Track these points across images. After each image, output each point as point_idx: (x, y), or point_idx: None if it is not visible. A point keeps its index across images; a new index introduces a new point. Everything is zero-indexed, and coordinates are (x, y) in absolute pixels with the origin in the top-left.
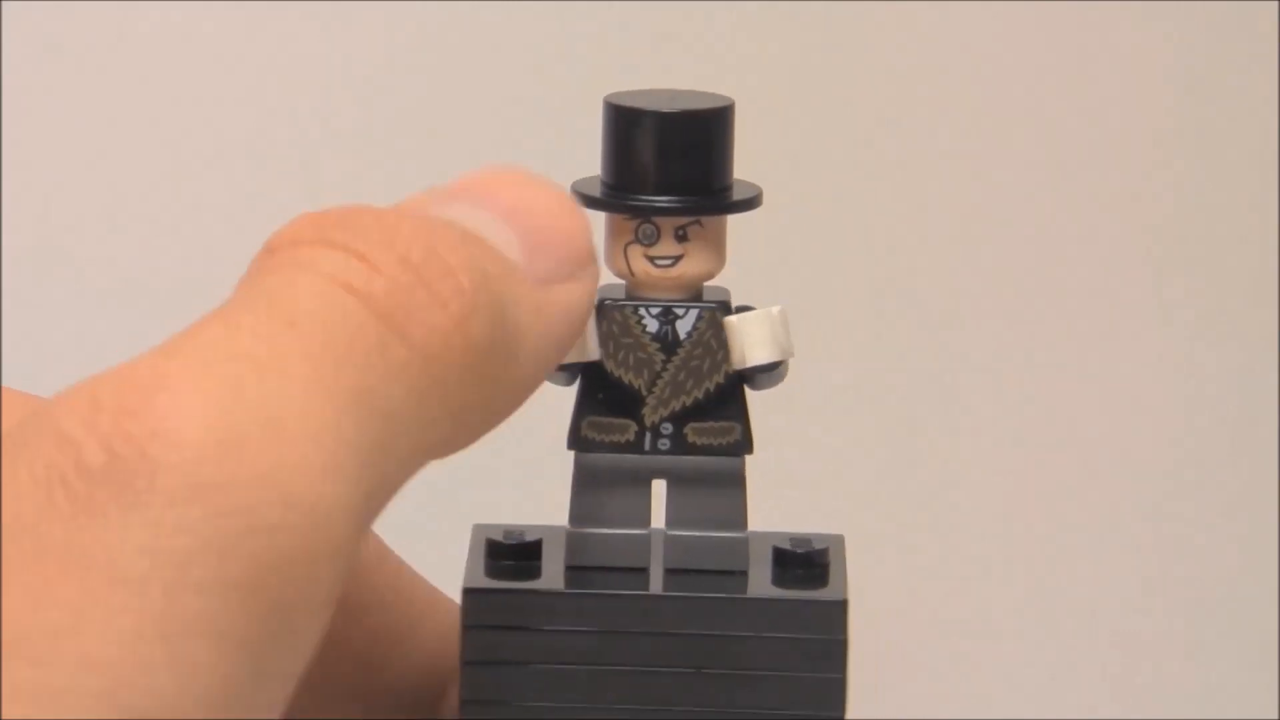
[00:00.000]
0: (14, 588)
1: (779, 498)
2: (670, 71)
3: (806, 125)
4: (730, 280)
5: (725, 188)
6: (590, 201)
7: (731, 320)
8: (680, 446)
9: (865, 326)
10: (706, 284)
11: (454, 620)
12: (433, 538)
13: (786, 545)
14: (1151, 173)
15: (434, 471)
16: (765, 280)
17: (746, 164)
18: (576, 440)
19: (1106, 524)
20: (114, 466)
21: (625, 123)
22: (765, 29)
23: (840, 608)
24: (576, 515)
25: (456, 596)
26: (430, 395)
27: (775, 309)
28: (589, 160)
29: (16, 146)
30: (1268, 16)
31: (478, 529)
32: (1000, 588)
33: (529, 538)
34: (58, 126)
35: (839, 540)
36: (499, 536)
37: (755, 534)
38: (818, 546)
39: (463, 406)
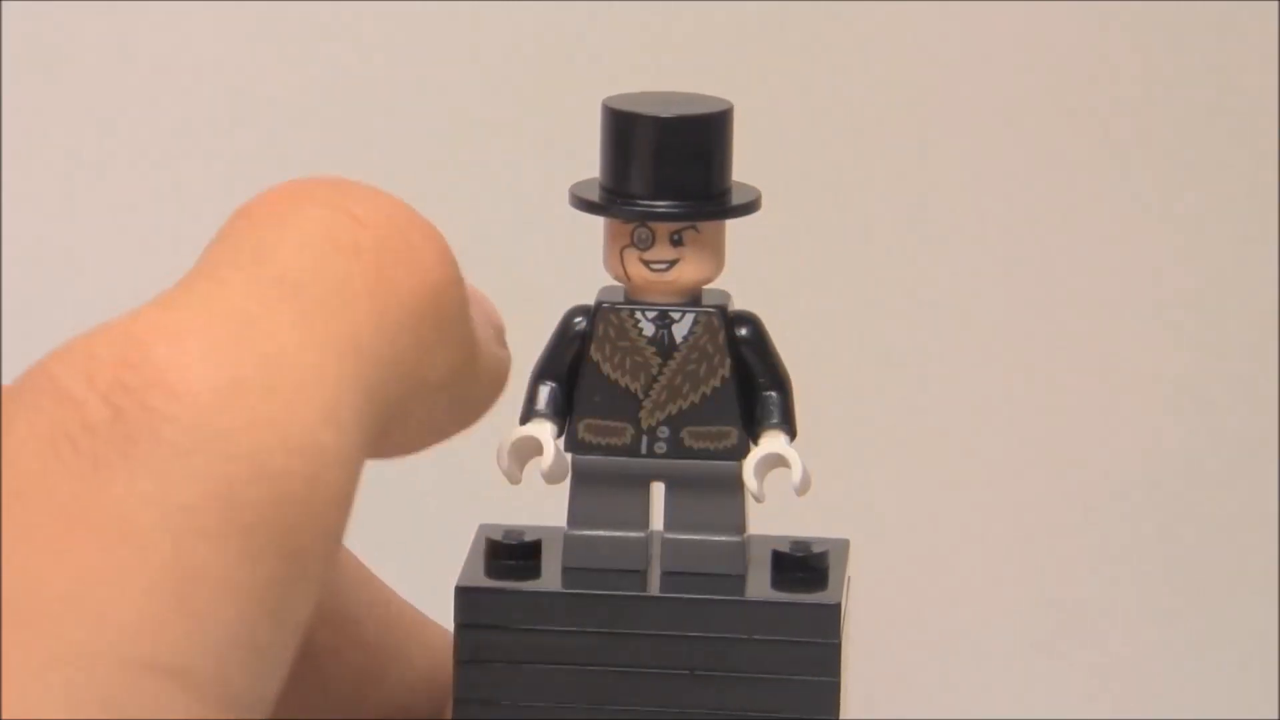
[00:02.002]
0: (23, 547)
1: (781, 501)
2: (672, 73)
3: (808, 126)
4: (730, 284)
5: (723, 192)
6: (586, 205)
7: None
8: (677, 450)
9: (867, 329)
10: (706, 287)
11: (447, 636)
12: (443, 538)
13: (786, 549)
14: (1152, 173)
15: (444, 470)
16: (766, 283)
17: (749, 165)
18: (574, 443)
19: (1107, 525)
20: (118, 421)
21: (621, 127)
22: (769, 29)
23: (833, 611)
24: (574, 517)
25: None
26: (417, 342)
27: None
28: (590, 163)
29: (17, 147)
30: (1268, 16)
31: (482, 529)
32: (1002, 589)
33: (529, 538)
34: (57, 127)
35: (843, 544)
36: (499, 536)
37: (757, 538)
38: (817, 551)
39: (443, 359)
